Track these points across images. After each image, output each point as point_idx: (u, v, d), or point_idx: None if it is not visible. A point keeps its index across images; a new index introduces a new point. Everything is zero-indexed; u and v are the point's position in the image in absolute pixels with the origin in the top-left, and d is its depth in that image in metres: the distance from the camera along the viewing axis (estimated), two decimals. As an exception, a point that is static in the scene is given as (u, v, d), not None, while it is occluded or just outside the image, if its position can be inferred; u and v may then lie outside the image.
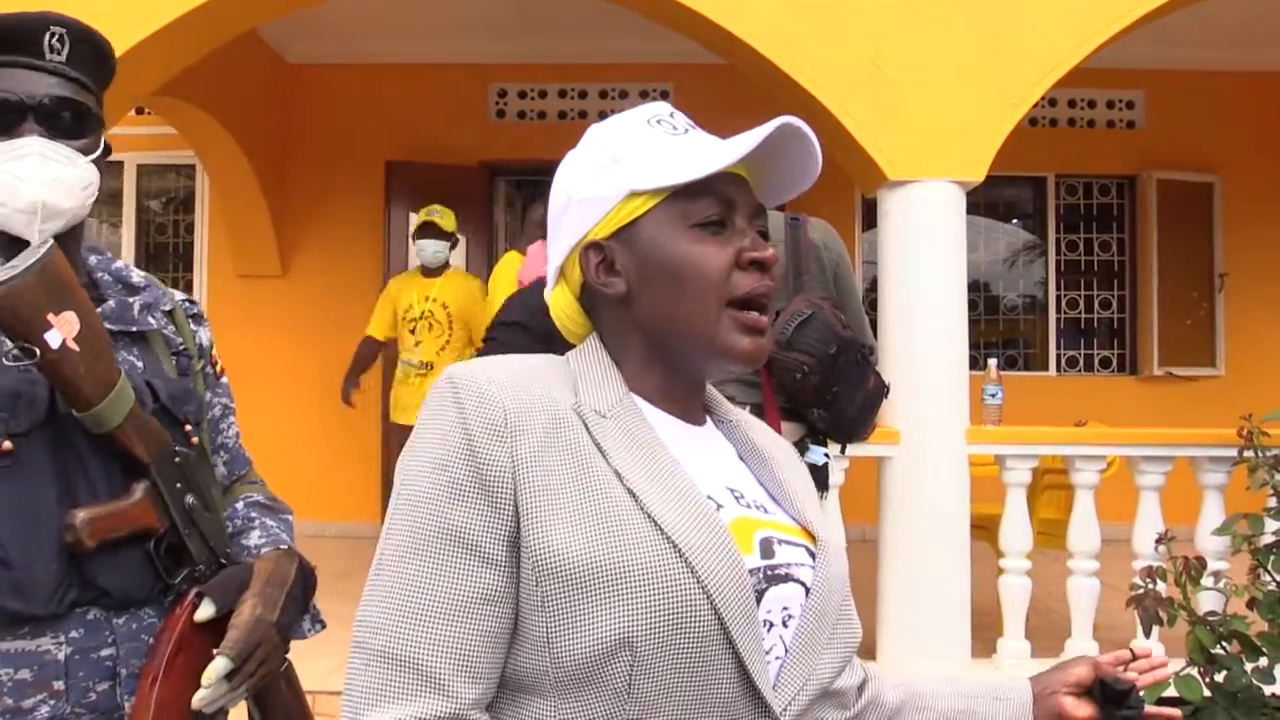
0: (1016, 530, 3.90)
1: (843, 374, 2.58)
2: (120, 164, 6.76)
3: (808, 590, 0.89)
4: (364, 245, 6.63)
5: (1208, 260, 6.95)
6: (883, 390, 2.84)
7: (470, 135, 6.75)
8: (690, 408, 0.96)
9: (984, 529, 4.25)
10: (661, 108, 0.97)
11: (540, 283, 2.47)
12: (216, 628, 1.25)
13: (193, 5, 3.81)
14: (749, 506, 0.91)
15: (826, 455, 2.75)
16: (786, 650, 0.86)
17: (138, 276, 1.36)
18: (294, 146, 6.75)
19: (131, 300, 1.33)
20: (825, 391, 2.51)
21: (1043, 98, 4.04)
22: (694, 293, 0.89)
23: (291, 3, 4.44)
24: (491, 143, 6.82)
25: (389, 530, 0.83)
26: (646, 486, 0.83)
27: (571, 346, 0.97)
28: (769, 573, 0.86)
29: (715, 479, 0.91)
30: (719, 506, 0.87)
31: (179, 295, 1.43)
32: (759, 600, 0.84)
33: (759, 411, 2.49)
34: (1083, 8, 3.90)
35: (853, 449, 3.23)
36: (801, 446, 2.62)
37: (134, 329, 1.31)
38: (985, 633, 3.94)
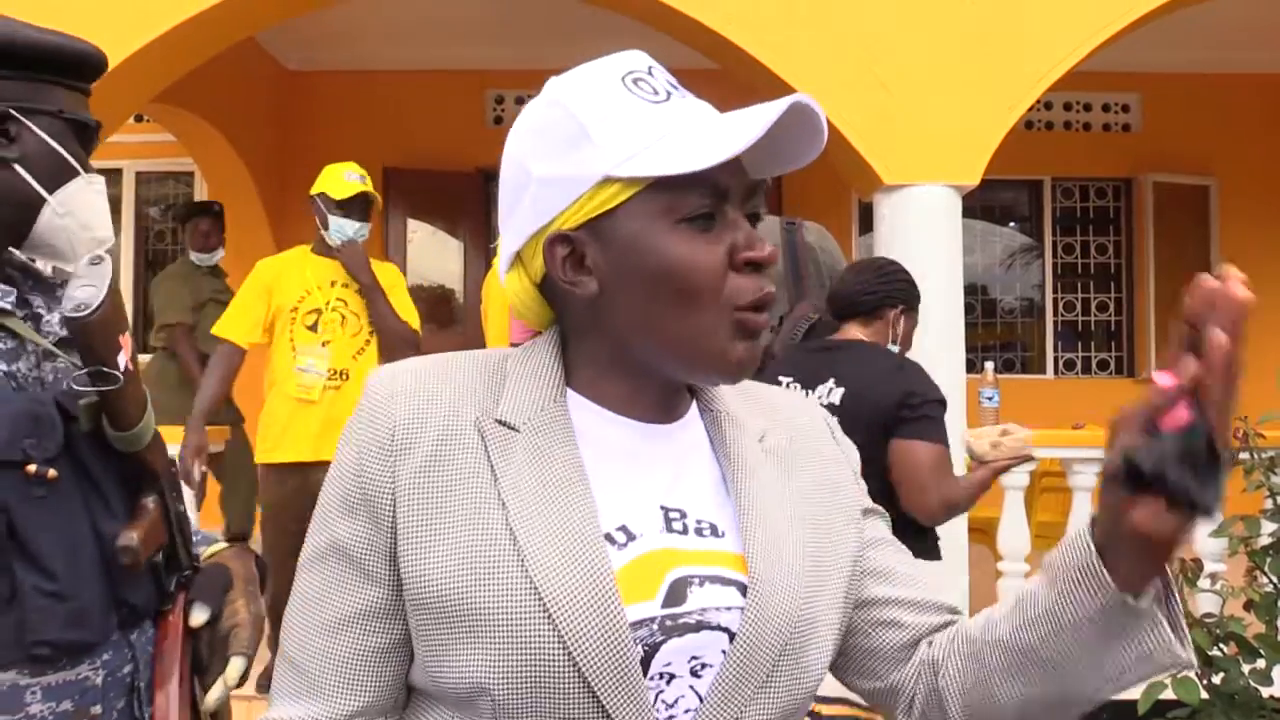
0: (1015, 533, 3.90)
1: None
2: (119, 171, 6.76)
3: (733, 636, 0.77)
4: (362, 251, 6.64)
5: (1204, 262, 6.95)
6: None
7: (468, 142, 6.75)
8: (658, 408, 0.83)
9: (982, 532, 4.26)
10: (638, 60, 0.81)
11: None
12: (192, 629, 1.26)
13: (192, 12, 3.82)
14: (682, 532, 0.79)
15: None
16: (702, 700, 0.76)
17: (49, 270, 1.30)
18: (292, 153, 6.75)
19: None
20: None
21: (1038, 101, 4.06)
22: (683, 300, 0.76)
23: (290, 10, 4.45)
24: (489, 149, 6.67)
25: (307, 537, 0.84)
26: (530, 520, 0.75)
27: None
28: (669, 622, 0.76)
29: (651, 496, 0.80)
30: (632, 538, 0.77)
31: None
32: (654, 652, 0.75)
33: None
34: (1077, 11, 3.91)
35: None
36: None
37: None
38: (984, 635, 3.94)
